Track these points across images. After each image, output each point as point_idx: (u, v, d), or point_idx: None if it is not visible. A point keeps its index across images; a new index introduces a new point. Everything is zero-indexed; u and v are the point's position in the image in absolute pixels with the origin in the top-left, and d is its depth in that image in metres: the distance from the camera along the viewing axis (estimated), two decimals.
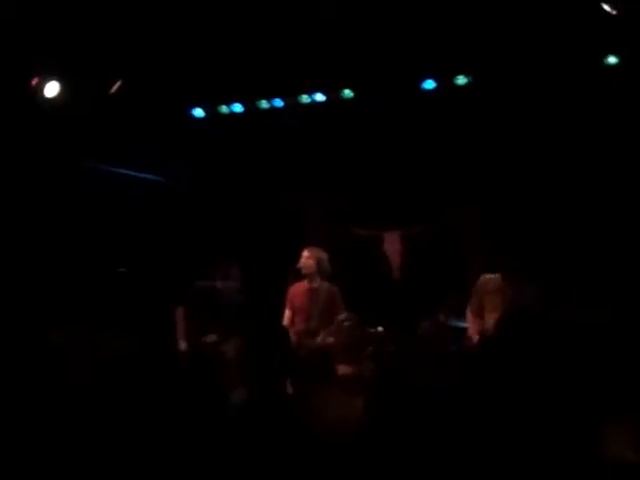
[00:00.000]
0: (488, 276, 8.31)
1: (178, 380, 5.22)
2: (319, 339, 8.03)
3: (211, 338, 8.52)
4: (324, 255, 8.57)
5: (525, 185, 9.78)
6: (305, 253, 8.55)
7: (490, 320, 8.04)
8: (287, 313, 8.58)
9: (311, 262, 8.49)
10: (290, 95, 10.15)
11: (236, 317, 8.63)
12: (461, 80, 9.40)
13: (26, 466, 4.06)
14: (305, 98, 10.10)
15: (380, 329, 7.96)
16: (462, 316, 8.31)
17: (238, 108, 10.47)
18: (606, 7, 7.79)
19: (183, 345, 8.67)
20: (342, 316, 8.04)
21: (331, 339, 7.98)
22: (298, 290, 8.60)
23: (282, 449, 3.89)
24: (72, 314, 8.34)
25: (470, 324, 8.01)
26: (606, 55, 8.75)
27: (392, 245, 10.69)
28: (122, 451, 4.09)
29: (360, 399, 4.42)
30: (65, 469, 4.03)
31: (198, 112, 10.68)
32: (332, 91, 9.96)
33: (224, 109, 10.56)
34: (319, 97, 10.04)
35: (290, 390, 5.05)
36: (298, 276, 8.62)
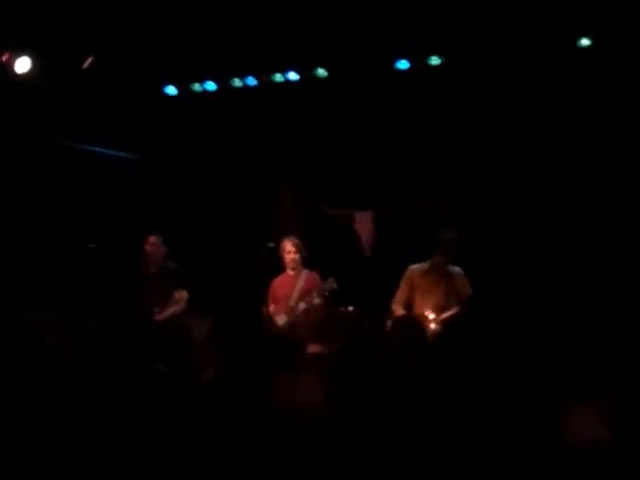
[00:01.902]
0: (415, 267, 8.39)
1: (149, 357, 5.22)
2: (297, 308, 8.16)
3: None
4: (301, 242, 8.67)
5: (498, 169, 9.79)
6: (290, 247, 8.64)
7: (422, 300, 8.18)
8: (270, 305, 8.66)
9: (297, 256, 8.58)
10: (263, 74, 10.10)
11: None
12: (434, 60, 9.38)
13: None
14: (278, 77, 10.06)
15: (351, 308, 8.00)
16: None
17: (211, 86, 10.42)
18: None
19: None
20: (317, 300, 8.18)
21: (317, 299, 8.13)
22: (279, 282, 8.78)
23: (251, 428, 3.90)
24: (42, 292, 8.32)
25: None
26: (579, 37, 8.76)
27: (364, 225, 10.69)
28: (95, 428, 4.09)
29: (329, 378, 4.45)
30: (38, 447, 4.03)
31: (171, 90, 10.62)
32: (306, 70, 9.92)
33: (197, 87, 10.51)
34: (292, 76, 10.00)
35: (260, 369, 5.07)
36: (271, 256, 8.66)
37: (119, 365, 4.87)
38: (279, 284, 8.69)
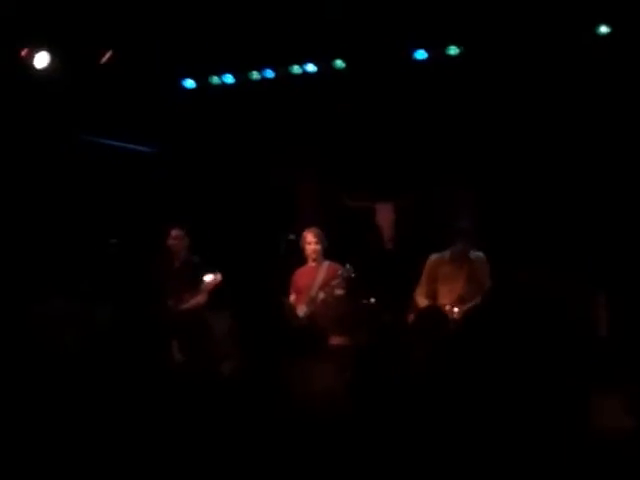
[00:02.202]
0: (436, 256, 8.36)
1: (168, 351, 5.24)
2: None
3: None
4: (322, 233, 8.63)
5: (517, 156, 9.75)
6: (310, 238, 8.60)
7: (444, 291, 8.15)
8: (291, 296, 8.65)
9: (319, 247, 8.56)
10: (281, 66, 10.10)
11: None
12: (453, 50, 9.35)
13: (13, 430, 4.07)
14: (296, 69, 10.05)
15: (373, 300, 7.99)
16: None
17: (229, 79, 10.42)
18: None
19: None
20: (339, 291, 8.16)
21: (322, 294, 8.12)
22: (301, 273, 8.70)
23: (272, 420, 3.90)
24: (64, 286, 8.34)
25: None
26: (598, 24, 8.71)
27: (385, 216, 10.66)
28: (108, 419, 4.11)
29: (351, 370, 4.45)
30: (49, 438, 4.04)
31: (189, 83, 10.63)
32: (324, 62, 9.91)
33: (215, 80, 10.52)
34: (310, 68, 9.99)
35: (282, 361, 5.07)
36: (291, 248, 8.65)
37: (137, 358, 4.88)
38: (300, 275, 8.67)
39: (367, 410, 3.87)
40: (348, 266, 8.40)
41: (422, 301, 8.16)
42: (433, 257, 8.39)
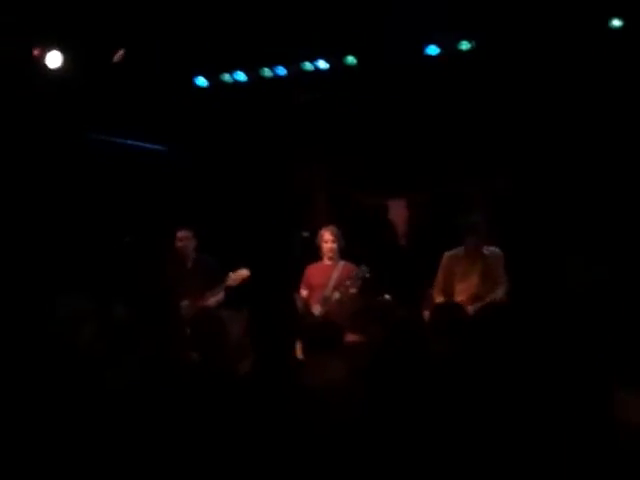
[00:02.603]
0: (451, 253, 8.33)
1: (185, 349, 5.24)
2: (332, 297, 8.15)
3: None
4: (339, 232, 8.62)
5: (530, 151, 9.74)
6: (327, 236, 8.59)
7: (460, 288, 8.12)
8: (303, 291, 8.62)
9: (335, 246, 8.55)
10: (293, 63, 10.10)
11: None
12: (465, 45, 9.33)
13: (32, 428, 4.08)
14: (308, 65, 10.05)
15: (387, 297, 7.98)
16: None
17: (241, 77, 10.43)
18: None
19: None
20: (353, 290, 8.16)
21: (337, 294, 8.12)
22: (315, 270, 8.69)
23: (289, 417, 3.91)
24: (79, 283, 8.37)
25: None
26: (610, 18, 8.69)
27: (398, 213, 10.67)
28: (123, 417, 4.12)
29: (367, 366, 4.44)
30: (63, 434, 4.05)
31: (201, 81, 10.64)
32: (335, 58, 9.90)
33: (227, 78, 10.53)
34: (322, 64, 9.99)
35: (299, 358, 5.08)
36: (306, 246, 8.65)
37: (153, 356, 4.89)
38: (315, 272, 8.66)
39: (383, 407, 3.86)
40: (363, 267, 8.39)
41: (439, 298, 8.16)
42: (448, 254, 8.36)
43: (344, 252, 8.67)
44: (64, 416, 4.19)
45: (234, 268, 8.76)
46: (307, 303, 8.43)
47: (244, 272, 8.71)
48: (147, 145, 11.05)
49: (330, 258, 8.56)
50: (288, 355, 4.88)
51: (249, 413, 4.04)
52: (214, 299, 8.66)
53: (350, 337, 5.67)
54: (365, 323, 5.83)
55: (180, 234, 9.01)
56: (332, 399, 4.03)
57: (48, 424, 4.15)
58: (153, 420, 4.09)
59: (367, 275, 8.36)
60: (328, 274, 8.52)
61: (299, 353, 5.10)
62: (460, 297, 8.00)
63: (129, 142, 10.76)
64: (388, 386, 3.95)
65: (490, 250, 8.19)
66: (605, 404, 3.59)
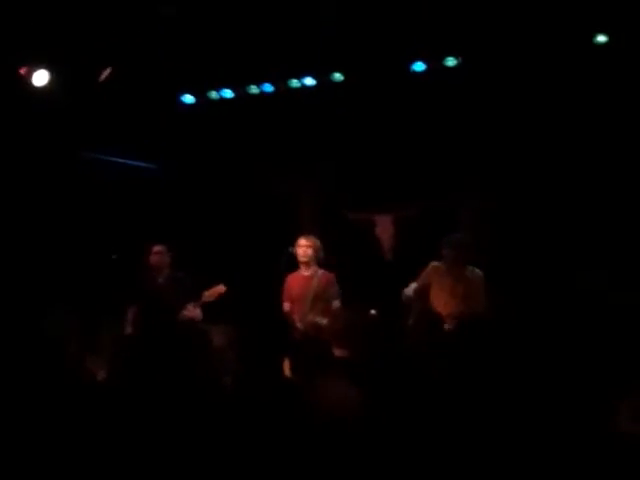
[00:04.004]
0: (436, 263, 8.28)
1: (172, 363, 5.23)
2: (309, 317, 8.08)
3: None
4: (318, 242, 8.58)
5: (518, 168, 9.77)
6: (303, 242, 8.54)
7: (438, 301, 8.08)
8: (285, 304, 8.59)
9: (310, 251, 8.51)
10: (280, 80, 10.12)
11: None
12: (450, 62, 9.36)
13: (24, 444, 4.07)
14: (295, 82, 10.07)
15: (373, 312, 7.96)
16: None
17: (228, 94, 10.45)
18: None
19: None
20: (336, 303, 8.12)
21: (323, 320, 8.05)
22: (295, 280, 8.62)
23: (277, 433, 3.90)
24: (65, 300, 8.35)
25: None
26: (595, 34, 8.73)
27: (385, 228, 10.69)
28: (119, 433, 4.10)
29: (355, 383, 4.44)
30: (60, 450, 4.04)
31: (188, 98, 10.66)
32: (322, 75, 9.93)
33: (214, 95, 10.55)
34: (309, 81, 10.01)
35: (287, 374, 5.07)
36: (291, 261, 8.61)
37: (140, 370, 4.88)
38: (294, 283, 8.60)
39: (376, 421, 3.86)
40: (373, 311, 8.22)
41: (408, 291, 8.10)
42: (434, 263, 8.29)
43: (330, 266, 8.64)
44: (50, 429, 4.18)
45: (213, 283, 8.76)
46: (291, 318, 8.41)
47: (220, 288, 8.69)
48: (134, 162, 11.05)
49: (306, 264, 8.49)
50: (275, 371, 4.87)
51: (236, 428, 4.03)
52: (189, 315, 8.62)
53: (337, 352, 5.66)
54: (351, 339, 5.82)
55: (155, 249, 8.97)
56: (321, 416, 4.02)
57: (34, 436, 4.14)
58: (140, 433, 4.08)
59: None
60: (307, 285, 8.47)
61: (287, 371, 5.09)
62: (438, 311, 7.97)
63: (116, 160, 10.76)
64: (379, 400, 3.95)
65: (473, 273, 8.12)
66: (602, 415, 3.60)
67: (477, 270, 8.11)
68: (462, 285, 8.02)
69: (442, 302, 8.01)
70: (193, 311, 8.62)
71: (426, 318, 5.71)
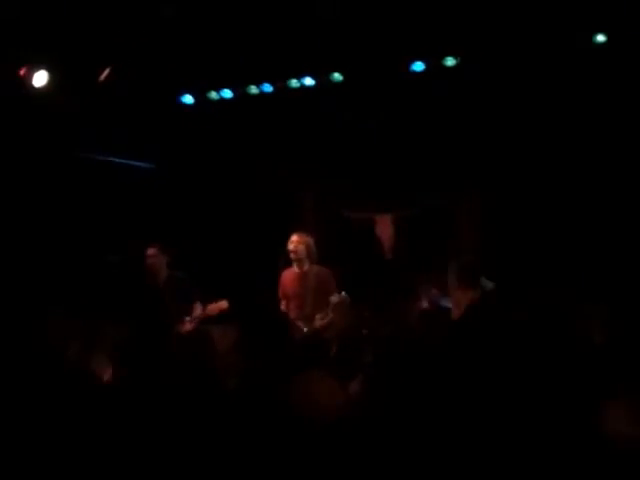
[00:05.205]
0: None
1: (174, 366, 5.23)
2: (316, 322, 8.07)
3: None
4: (311, 239, 8.57)
5: (518, 168, 9.78)
6: (295, 238, 8.52)
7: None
8: (282, 302, 8.59)
9: (302, 247, 8.48)
10: (279, 80, 10.13)
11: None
12: (450, 61, 9.37)
13: (25, 449, 4.07)
14: (294, 82, 10.08)
15: (366, 314, 7.97)
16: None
17: (227, 94, 10.46)
18: None
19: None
20: (334, 297, 8.08)
21: (325, 321, 8.05)
22: (289, 277, 8.61)
23: (278, 433, 3.90)
24: (65, 303, 8.35)
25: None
26: (594, 33, 8.74)
27: (384, 228, 10.71)
28: (120, 436, 4.11)
29: (355, 382, 4.45)
30: (61, 454, 4.04)
31: (187, 98, 10.67)
32: (321, 75, 9.94)
33: (213, 95, 10.55)
34: (308, 81, 10.02)
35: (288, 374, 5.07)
36: (288, 261, 8.61)
37: (141, 373, 4.89)
38: (287, 280, 8.59)
39: (376, 422, 3.86)
40: (344, 293, 8.25)
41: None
42: None
43: (327, 264, 8.62)
44: (51, 431, 4.19)
45: (217, 290, 8.74)
46: (287, 316, 8.39)
47: (222, 304, 8.60)
48: (134, 163, 11.05)
49: (298, 261, 8.49)
50: (278, 371, 4.87)
51: (239, 429, 4.04)
52: (190, 326, 8.54)
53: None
54: (351, 340, 5.84)
55: (149, 251, 8.93)
56: (323, 416, 4.02)
57: (34, 439, 4.14)
58: (141, 435, 4.09)
59: (348, 301, 8.27)
60: (303, 284, 8.45)
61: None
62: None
63: (116, 160, 10.77)
64: (380, 401, 3.96)
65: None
66: (592, 415, 3.61)
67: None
68: None
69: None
70: (190, 325, 8.55)
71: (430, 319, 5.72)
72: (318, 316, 8.14)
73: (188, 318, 8.49)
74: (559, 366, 4.15)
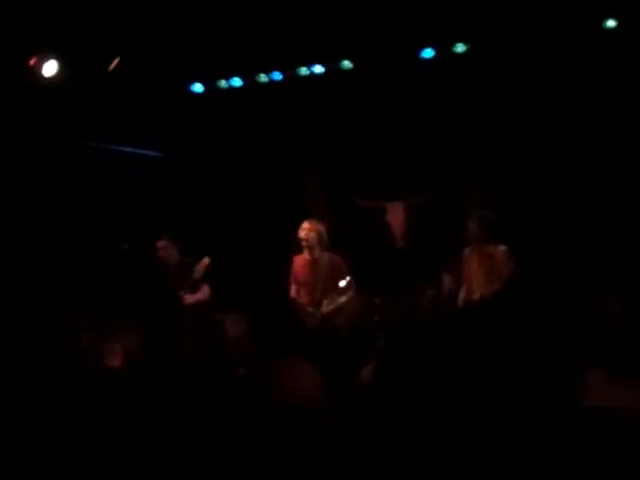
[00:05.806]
0: (466, 249, 8.37)
1: (183, 355, 5.24)
2: (323, 308, 8.09)
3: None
4: (322, 226, 8.58)
5: (526, 153, 9.74)
6: (306, 225, 8.54)
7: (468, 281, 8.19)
8: (292, 288, 8.60)
9: (313, 234, 8.48)
10: (289, 68, 10.12)
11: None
12: (460, 48, 9.34)
13: (27, 440, 4.08)
14: (304, 70, 10.06)
15: (377, 301, 7.99)
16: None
17: (237, 82, 10.45)
18: None
19: None
20: (342, 282, 8.10)
21: (331, 306, 8.08)
22: (300, 263, 8.62)
23: (285, 421, 3.90)
24: (74, 291, 8.37)
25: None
26: (605, 19, 8.70)
27: (395, 216, 10.69)
28: (126, 425, 4.11)
29: (367, 368, 4.44)
30: (66, 446, 4.05)
31: (197, 87, 10.66)
32: (331, 62, 9.92)
33: (223, 83, 10.54)
34: (318, 69, 10.01)
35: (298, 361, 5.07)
36: (299, 248, 8.61)
37: (150, 357, 4.90)
38: (299, 266, 8.61)
39: (387, 410, 3.86)
40: (349, 278, 8.27)
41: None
42: (465, 250, 8.42)
43: (337, 249, 8.63)
44: (60, 424, 4.19)
45: (227, 278, 8.82)
46: (298, 302, 8.40)
47: (204, 261, 8.79)
48: (144, 152, 11.06)
49: (309, 248, 8.50)
50: (287, 358, 4.87)
51: (247, 415, 4.03)
52: (192, 299, 8.75)
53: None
54: (362, 327, 5.85)
55: (160, 244, 9.05)
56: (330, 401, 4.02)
57: (43, 432, 4.14)
58: (149, 422, 4.09)
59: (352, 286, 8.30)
60: (314, 271, 8.46)
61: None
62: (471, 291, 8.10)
63: (126, 149, 10.78)
64: (391, 389, 3.95)
65: (497, 249, 8.19)
66: (572, 387, 3.59)
67: (502, 246, 8.18)
68: (486, 262, 8.10)
69: (470, 281, 8.11)
70: (191, 297, 8.77)
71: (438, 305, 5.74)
72: (325, 302, 8.18)
73: (182, 292, 8.63)
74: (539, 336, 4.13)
